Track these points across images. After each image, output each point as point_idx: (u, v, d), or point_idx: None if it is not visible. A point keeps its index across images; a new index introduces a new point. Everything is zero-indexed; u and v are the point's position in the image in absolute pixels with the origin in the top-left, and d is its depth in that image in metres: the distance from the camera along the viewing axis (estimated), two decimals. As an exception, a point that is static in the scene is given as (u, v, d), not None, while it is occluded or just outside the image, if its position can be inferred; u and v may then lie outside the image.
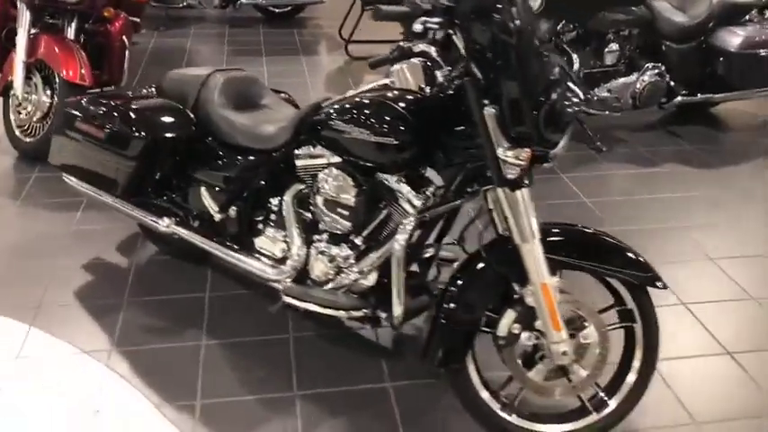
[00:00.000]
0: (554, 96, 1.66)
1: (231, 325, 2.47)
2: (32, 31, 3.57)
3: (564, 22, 3.94)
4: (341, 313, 2.07)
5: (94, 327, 2.46)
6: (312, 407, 2.11)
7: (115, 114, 2.39)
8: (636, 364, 1.93)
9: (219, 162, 2.35)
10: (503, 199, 1.75)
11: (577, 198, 3.48)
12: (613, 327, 1.91)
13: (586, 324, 1.86)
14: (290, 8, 6.89)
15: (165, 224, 2.43)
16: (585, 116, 3.95)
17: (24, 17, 3.53)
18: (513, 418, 1.94)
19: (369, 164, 1.93)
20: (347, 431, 2.04)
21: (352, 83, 5.01)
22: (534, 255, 1.74)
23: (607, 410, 1.95)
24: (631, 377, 1.94)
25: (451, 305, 1.84)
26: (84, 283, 2.71)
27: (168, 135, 2.33)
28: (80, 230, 3.08)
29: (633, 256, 1.84)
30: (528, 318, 1.83)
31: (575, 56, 3.92)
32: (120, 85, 4.01)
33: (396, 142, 1.84)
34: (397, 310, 1.95)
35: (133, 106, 2.40)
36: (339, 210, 2.02)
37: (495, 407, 1.93)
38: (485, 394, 1.93)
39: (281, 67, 5.48)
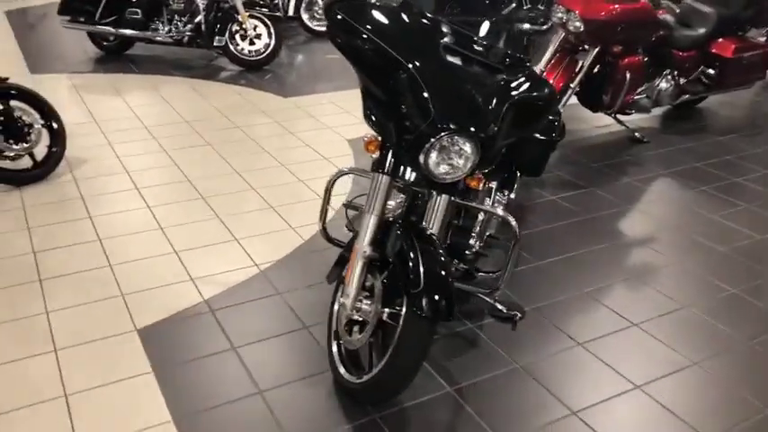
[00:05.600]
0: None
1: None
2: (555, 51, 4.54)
3: None
4: None
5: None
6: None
7: None
8: (388, 354, 2.12)
9: None
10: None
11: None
12: (385, 319, 2.17)
13: (370, 301, 2.21)
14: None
15: None
16: None
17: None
18: (334, 346, 2.40)
19: None
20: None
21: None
22: (364, 225, 2.18)
23: (359, 380, 2.24)
24: (376, 369, 2.17)
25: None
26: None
27: None
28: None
29: (419, 272, 2.02)
30: None
31: None
32: (609, 110, 4.75)
33: None
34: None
35: None
36: None
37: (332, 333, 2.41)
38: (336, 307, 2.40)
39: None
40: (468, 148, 2.05)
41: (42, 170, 3.95)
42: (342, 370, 2.34)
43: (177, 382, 2.39)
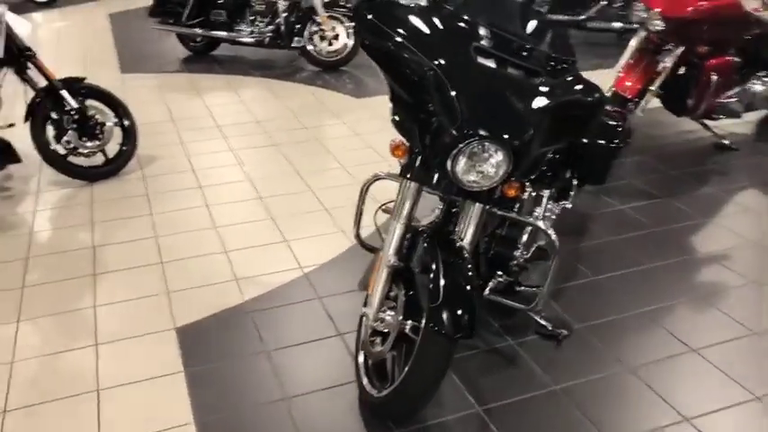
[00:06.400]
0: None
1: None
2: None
3: None
4: None
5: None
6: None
7: None
8: (405, 370, 2.01)
9: None
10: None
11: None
12: (403, 331, 2.08)
13: (393, 312, 2.13)
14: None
15: None
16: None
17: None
18: (361, 356, 2.33)
19: None
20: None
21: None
22: (390, 232, 2.11)
23: (379, 394, 2.16)
24: (394, 385, 2.07)
25: None
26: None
27: None
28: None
29: (439, 285, 1.91)
30: None
31: None
32: (693, 115, 4.39)
33: None
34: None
35: None
36: None
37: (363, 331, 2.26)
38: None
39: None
40: (499, 155, 1.93)
41: (113, 167, 4.11)
42: (365, 382, 2.26)
43: (205, 382, 2.39)
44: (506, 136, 1.91)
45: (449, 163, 1.92)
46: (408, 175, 2.10)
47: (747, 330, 2.66)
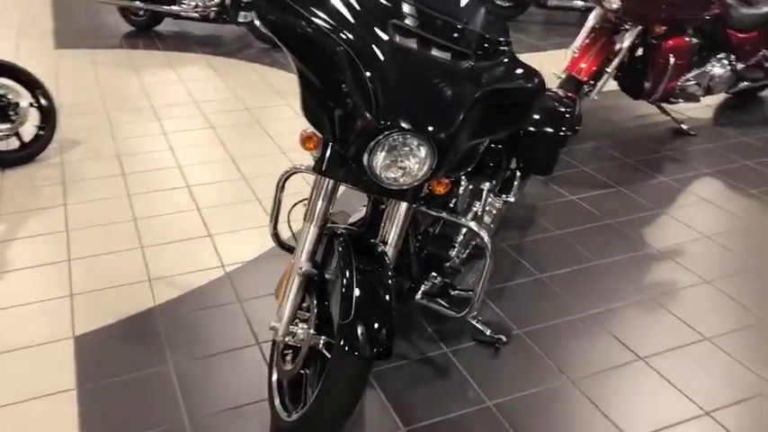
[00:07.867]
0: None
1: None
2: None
3: None
4: None
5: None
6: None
7: None
8: (315, 392, 1.78)
9: None
10: None
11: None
12: (316, 347, 1.83)
13: (306, 325, 1.87)
14: None
15: None
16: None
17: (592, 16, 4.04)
18: (275, 373, 2.06)
19: None
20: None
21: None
22: (304, 234, 1.87)
23: (290, 418, 1.92)
24: (304, 409, 1.85)
25: None
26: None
27: None
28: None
29: (351, 297, 1.66)
30: None
31: None
32: (651, 98, 4.18)
33: None
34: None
35: None
36: None
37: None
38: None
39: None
40: (422, 151, 1.68)
41: (30, 151, 3.77)
42: (276, 402, 2.02)
43: (99, 402, 2.13)
44: (430, 128, 1.66)
45: (365, 157, 1.67)
46: (322, 171, 1.85)
47: (699, 336, 2.48)
